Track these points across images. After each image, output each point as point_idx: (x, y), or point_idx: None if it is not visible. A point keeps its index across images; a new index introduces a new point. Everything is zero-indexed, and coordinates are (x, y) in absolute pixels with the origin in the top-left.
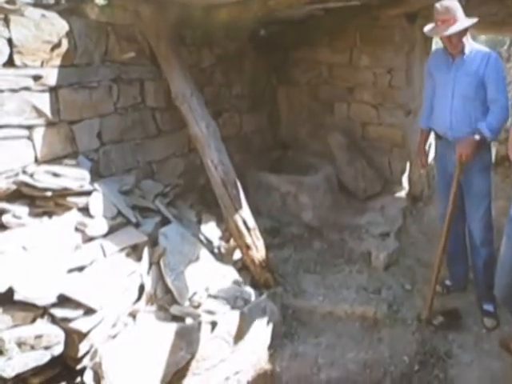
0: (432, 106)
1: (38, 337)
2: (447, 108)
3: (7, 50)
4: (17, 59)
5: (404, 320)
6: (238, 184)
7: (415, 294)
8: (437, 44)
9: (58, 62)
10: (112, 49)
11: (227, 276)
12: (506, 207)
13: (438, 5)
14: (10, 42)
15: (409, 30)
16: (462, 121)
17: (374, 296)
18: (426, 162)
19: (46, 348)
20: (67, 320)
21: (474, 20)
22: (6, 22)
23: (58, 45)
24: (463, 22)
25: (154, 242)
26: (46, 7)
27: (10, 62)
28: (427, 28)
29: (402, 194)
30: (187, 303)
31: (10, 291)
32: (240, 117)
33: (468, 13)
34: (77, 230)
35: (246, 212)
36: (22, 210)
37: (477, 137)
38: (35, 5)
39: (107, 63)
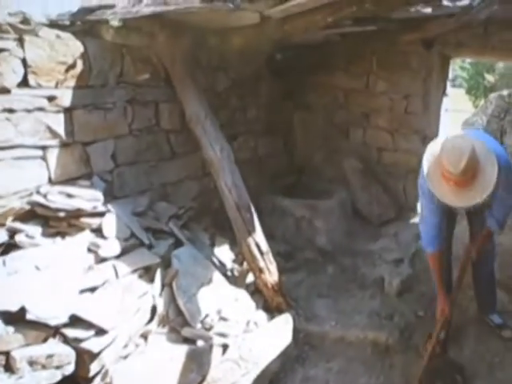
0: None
1: (50, 356)
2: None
3: (21, 71)
4: (31, 79)
5: (416, 347)
6: (252, 207)
7: (428, 321)
8: (454, 71)
9: (72, 82)
10: (127, 70)
11: (239, 299)
12: None
13: (448, 165)
14: (24, 62)
15: (426, 55)
16: None
17: (387, 322)
18: (449, 311)
19: (58, 367)
20: (79, 340)
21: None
22: (21, 42)
23: (72, 65)
24: (484, 172)
25: (166, 264)
26: (61, 28)
27: (24, 83)
28: (436, 186)
29: (417, 220)
30: (199, 325)
31: (23, 310)
32: (255, 141)
33: (487, 40)
34: (90, 250)
35: (259, 235)
36: (35, 229)
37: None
38: (50, 25)
39: (122, 84)
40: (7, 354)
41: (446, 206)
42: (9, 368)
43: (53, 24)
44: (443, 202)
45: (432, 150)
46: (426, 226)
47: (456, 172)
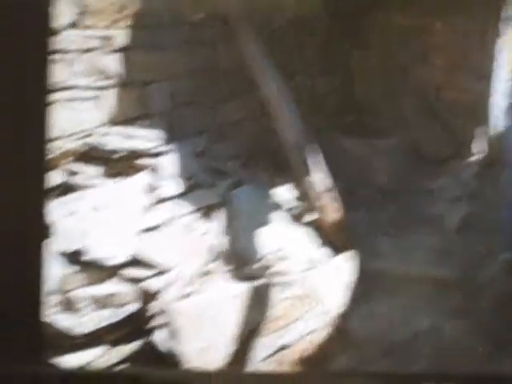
0: None
1: (110, 296)
2: None
3: (73, 11)
4: (84, 20)
5: (477, 283)
6: (311, 146)
7: (488, 257)
8: None
9: (126, 22)
10: (182, 9)
11: (300, 238)
12: None
13: None
14: (75, 2)
15: None
16: None
17: (447, 259)
18: None
19: (118, 307)
20: (138, 280)
21: None
22: None
23: (125, 5)
24: None
25: (226, 204)
26: None
27: (76, 23)
28: None
29: (477, 157)
30: (259, 264)
31: (82, 251)
32: (312, 80)
33: None
34: (149, 190)
35: (319, 174)
36: (92, 171)
37: None
38: None
39: (178, 24)
40: (68, 293)
41: None
42: (69, 308)
43: None
44: None
45: None
46: None
47: None
